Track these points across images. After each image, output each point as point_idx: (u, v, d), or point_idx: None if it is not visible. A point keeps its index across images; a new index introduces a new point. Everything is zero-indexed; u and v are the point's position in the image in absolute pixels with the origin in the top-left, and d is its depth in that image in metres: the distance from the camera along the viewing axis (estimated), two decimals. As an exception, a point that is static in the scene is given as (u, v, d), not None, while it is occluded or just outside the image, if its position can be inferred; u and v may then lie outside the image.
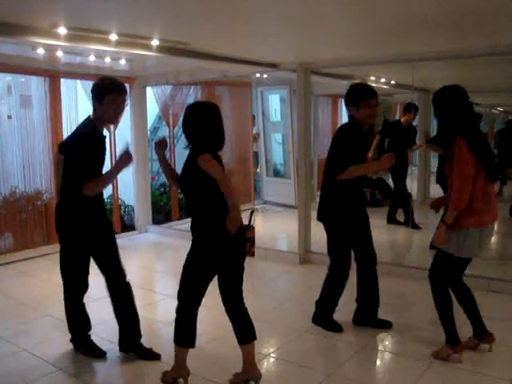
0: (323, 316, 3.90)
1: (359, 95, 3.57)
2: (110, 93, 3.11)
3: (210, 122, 2.88)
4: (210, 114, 2.89)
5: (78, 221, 3.22)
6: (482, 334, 3.38)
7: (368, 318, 3.88)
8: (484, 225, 3.16)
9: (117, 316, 3.44)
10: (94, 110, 3.20)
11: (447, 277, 3.30)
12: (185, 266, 2.96)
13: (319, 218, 3.81)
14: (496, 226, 3.40)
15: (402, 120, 6.90)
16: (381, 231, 6.84)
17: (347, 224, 3.72)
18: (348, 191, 3.64)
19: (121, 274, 3.42)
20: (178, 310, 3.00)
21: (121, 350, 3.46)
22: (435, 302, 3.35)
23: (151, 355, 3.43)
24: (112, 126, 6.59)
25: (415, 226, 6.32)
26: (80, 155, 3.08)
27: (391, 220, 6.87)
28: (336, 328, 3.83)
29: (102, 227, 3.33)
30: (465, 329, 3.41)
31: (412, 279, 4.92)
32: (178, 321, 3.00)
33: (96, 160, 3.17)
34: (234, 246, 2.93)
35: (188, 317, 2.98)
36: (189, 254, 2.94)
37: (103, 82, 3.20)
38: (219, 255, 2.89)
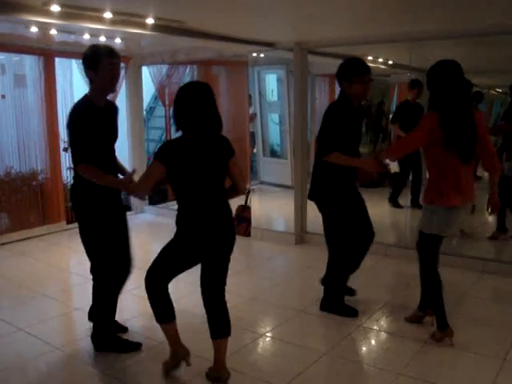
0: (334, 302, 3.83)
1: (353, 70, 3.48)
2: (104, 57, 2.98)
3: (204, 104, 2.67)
4: (205, 95, 2.68)
5: (90, 201, 3.11)
6: (425, 308, 3.53)
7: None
8: (450, 204, 3.13)
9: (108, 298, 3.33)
10: (91, 82, 3.05)
11: (428, 256, 3.31)
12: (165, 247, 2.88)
13: (310, 197, 3.78)
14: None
15: (409, 99, 6.76)
16: (377, 212, 6.85)
17: (340, 202, 3.66)
18: (338, 170, 3.55)
19: (130, 261, 3.37)
20: (147, 287, 2.87)
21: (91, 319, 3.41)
22: (425, 284, 3.40)
23: (130, 347, 3.34)
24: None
25: (418, 206, 6.29)
26: (77, 134, 2.97)
27: (394, 202, 6.74)
28: (350, 312, 3.78)
29: (114, 210, 3.25)
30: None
31: (409, 260, 4.94)
32: (150, 300, 2.87)
33: (96, 136, 3.02)
34: (219, 237, 2.79)
35: (159, 292, 2.86)
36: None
37: (94, 48, 3.04)
38: (200, 244, 2.78)
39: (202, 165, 2.68)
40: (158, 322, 2.91)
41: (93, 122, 3.01)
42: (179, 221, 2.78)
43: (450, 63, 3.11)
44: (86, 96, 3.10)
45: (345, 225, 3.71)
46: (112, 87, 3.12)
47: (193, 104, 2.63)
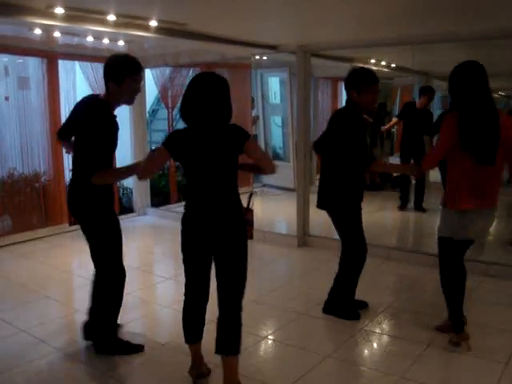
0: (337, 304, 3.81)
1: (363, 80, 3.49)
2: (130, 73, 2.96)
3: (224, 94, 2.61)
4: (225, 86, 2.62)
5: (88, 204, 3.08)
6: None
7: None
8: (461, 208, 3.08)
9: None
10: (108, 90, 3.00)
11: (444, 260, 3.30)
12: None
13: (321, 206, 3.73)
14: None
15: (416, 103, 6.77)
16: (379, 215, 6.86)
17: (351, 209, 3.65)
18: (353, 178, 3.57)
19: (121, 270, 3.24)
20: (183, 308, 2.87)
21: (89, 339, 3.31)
22: (441, 286, 3.34)
23: (133, 349, 3.29)
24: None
25: (421, 209, 6.31)
26: (99, 139, 2.91)
27: (418, 207, 6.77)
28: (353, 315, 3.77)
29: (109, 215, 3.17)
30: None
31: (411, 263, 4.94)
32: (183, 317, 2.87)
33: (112, 144, 3.01)
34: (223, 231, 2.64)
35: (189, 313, 2.85)
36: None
37: (119, 61, 2.99)
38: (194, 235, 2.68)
39: (199, 155, 2.59)
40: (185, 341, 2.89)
41: (113, 130, 2.98)
42: (184, 209, 2.73)
43: (471, 64, 3.05)
44: (102, 102, 3.03)
45: (355, 230, 3.70)
46: (132, 101, 3.11)
47: (187, 94, 2.60)
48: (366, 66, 3.65)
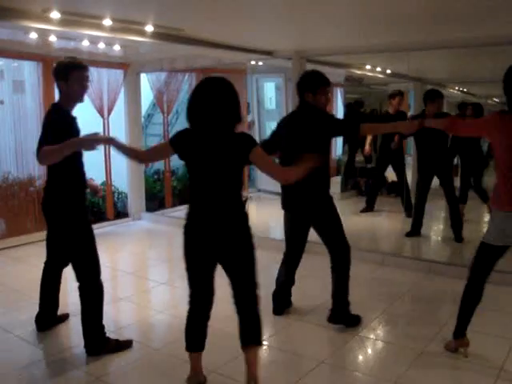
0: (345, 312, 3.71)
1: (317, 82, 3.56)
2: (75, 69, 3.15)
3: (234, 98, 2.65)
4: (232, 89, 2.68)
5: (62, 208, 3.33)
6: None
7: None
8: (504, 208, 2.97)
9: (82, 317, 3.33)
10: (60, 91, 3.19)
11: (475, 264, 3.20)
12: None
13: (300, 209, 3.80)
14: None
15: (389, 110, 6.77)
16: (373, 220, 6.86)
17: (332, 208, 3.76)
18: (319, 178, 3.62)
19: (96, 273, 3.36)
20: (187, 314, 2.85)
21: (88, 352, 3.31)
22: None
23: (123, 345, 3.37)
24: (106, 113, 6.57)
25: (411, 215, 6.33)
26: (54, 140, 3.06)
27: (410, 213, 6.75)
28: (358, 320, 3.74)
29: (82, 218, 3.34)
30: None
31: (406, 269, 4.94)
32: (186, 325, 2.84)
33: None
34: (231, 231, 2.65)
35: (193, 321, 2.83)
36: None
37: (65, 61, 3.20)
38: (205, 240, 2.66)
39: (203, 158, 2.59)
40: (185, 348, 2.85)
41: (69, 130, 3.12)
42: (186, 217, 2.71)
43: None
44: (56, 105, 3.23)
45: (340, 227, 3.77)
46: (81, 96, 3.27)
47: (194, 97, 2.63)
48: (317, 69, 3.67)
